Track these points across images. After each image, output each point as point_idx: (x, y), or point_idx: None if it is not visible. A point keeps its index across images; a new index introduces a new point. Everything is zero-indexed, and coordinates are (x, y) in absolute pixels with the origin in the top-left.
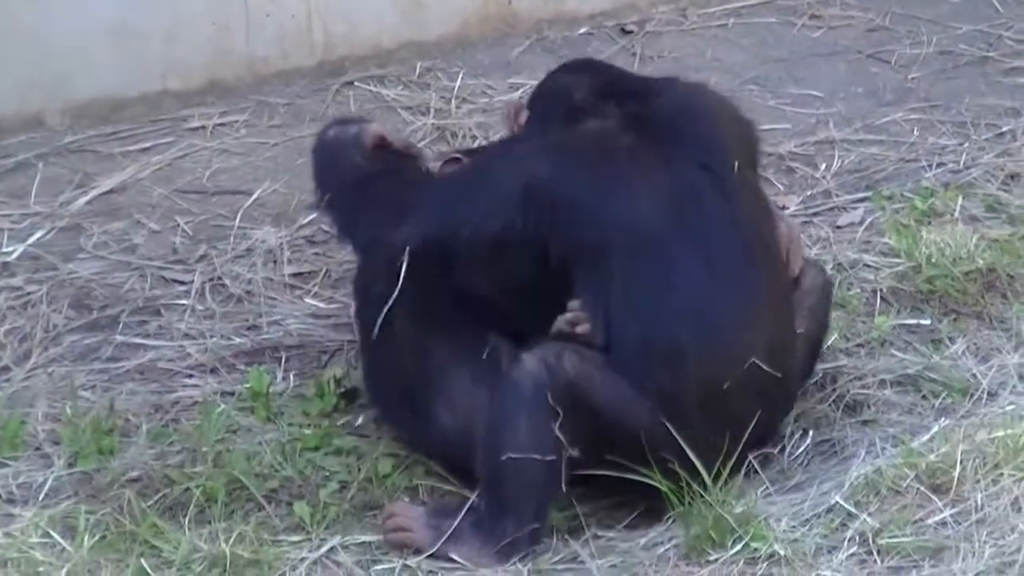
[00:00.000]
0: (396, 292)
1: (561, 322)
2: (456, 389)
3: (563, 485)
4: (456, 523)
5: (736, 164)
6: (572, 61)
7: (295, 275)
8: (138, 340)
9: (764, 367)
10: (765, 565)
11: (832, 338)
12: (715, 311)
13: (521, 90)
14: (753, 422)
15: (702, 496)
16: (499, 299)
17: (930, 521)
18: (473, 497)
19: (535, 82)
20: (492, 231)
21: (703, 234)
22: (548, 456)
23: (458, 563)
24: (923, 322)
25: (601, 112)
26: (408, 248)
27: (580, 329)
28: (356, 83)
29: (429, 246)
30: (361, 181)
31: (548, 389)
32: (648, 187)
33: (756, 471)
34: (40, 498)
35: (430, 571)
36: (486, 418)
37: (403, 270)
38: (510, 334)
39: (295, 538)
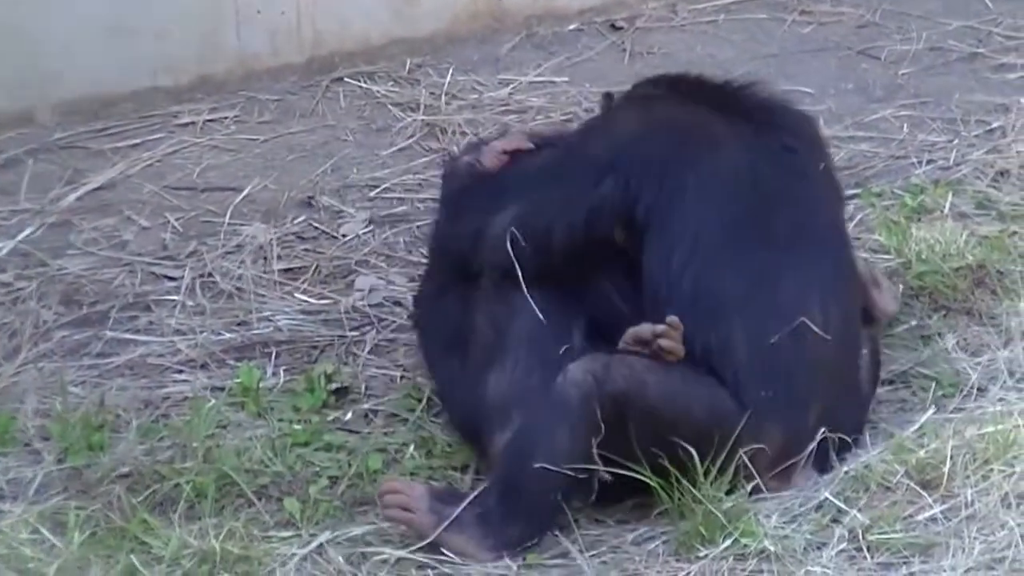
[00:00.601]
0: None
1: (646, 330)
2: (518, 369)
3: (592, 497)
4: (459, 511)
5: (822, 163)
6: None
7: (285, 271)
8: (128, 336)
9: (813, 326)
10: (755, 561)
11: None
12: (770, 275)
13: (511, 86)
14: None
15: (692, 492)
16: (587, 279)
17: (920, 517)
18: (478, 491)
19: (524, 79)
20: (584, 206)
21: (775, 210)
22: (580, 472)
23: (448, 556)
24: (914, 322)
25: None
26: (508, 232)
27: (666, 344)
28: (346, 79)
29: (527, 227)
30: (464, 188)
31: (596, 402)
32: (728, 159)
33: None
34: (30, 494)
35: (420, 566)
36: (524, 418)
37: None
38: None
39: (285, 534)
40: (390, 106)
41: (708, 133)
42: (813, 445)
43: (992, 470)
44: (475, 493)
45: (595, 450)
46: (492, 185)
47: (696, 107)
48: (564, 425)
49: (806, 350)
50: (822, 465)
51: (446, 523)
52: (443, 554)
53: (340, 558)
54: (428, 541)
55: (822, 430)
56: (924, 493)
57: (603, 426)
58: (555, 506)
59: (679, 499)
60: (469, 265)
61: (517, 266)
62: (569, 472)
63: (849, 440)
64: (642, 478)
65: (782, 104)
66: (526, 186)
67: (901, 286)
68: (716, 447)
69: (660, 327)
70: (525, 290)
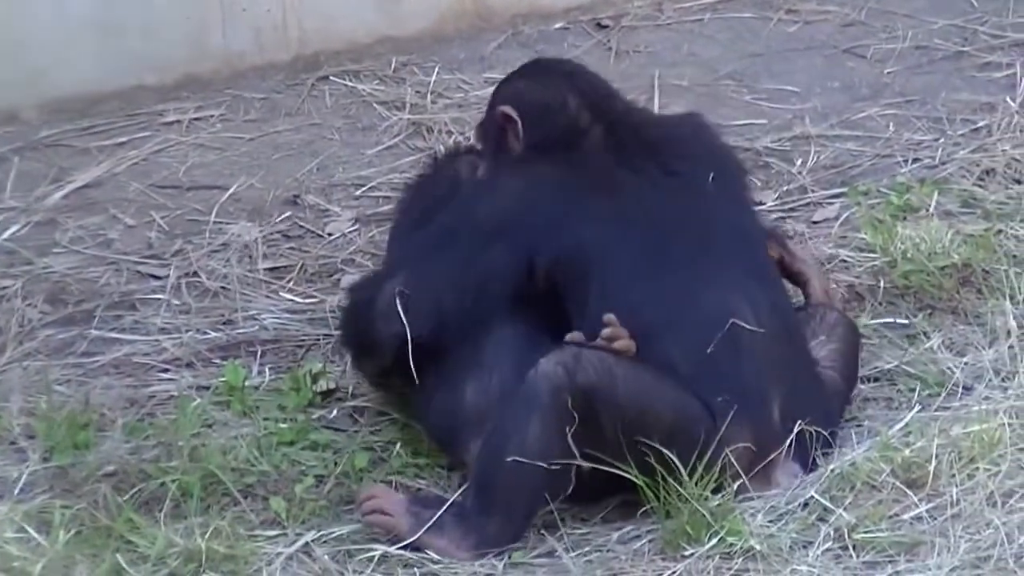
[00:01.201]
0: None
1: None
2: (495, 380)
3: (568, 490)
4: (439, 513)
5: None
6: (550, 67)
7: (270, 270)
8: (113, 335)
9: (744, 324)
10: (741, 560)
11: None
12: (689, 292)
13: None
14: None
15: (678, 491)
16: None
17: (905, 516)
18: (458, 494)
19: None
20: (473, 274)
21: (675, 233)
22: (554, 464)
23: (431, 556)
24: (900, 321)
25: (589, 140)
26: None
27: (619, 345)
28: (331, 78)
29: (416, 296)
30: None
31: (567, 394)
32: (618, 200)
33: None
34: (15, 493)
35: (406, 565)
36: (496, 416)
37: None
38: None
39: (271, 533)
40: (376, 105)
41: (593, 178)
42: (788, 441)
43: (977, 469)
44: (454, 496)
45: (570, 442)
46: (388, 253)
47: (577, 152)
48: (535, 417)
49: (745, 349)
50: (803, 460)
51: (426, 526)
52: (427, 552)
53: (326, 557)
54: (410, 542)
55: (795, 424)
56: (910, 492)
57: (576, 418)
58: (532, 500)
59: (665, 498)
60: (368, 335)
61: (409, 334)
62: (543, 465)
63: (825, 433)
64: (625, 475)
65: (659, 122)
66: (416, 255)
67: (885, 285)
68: (688, 447)
69: (605, 331)
70: (411, 363)
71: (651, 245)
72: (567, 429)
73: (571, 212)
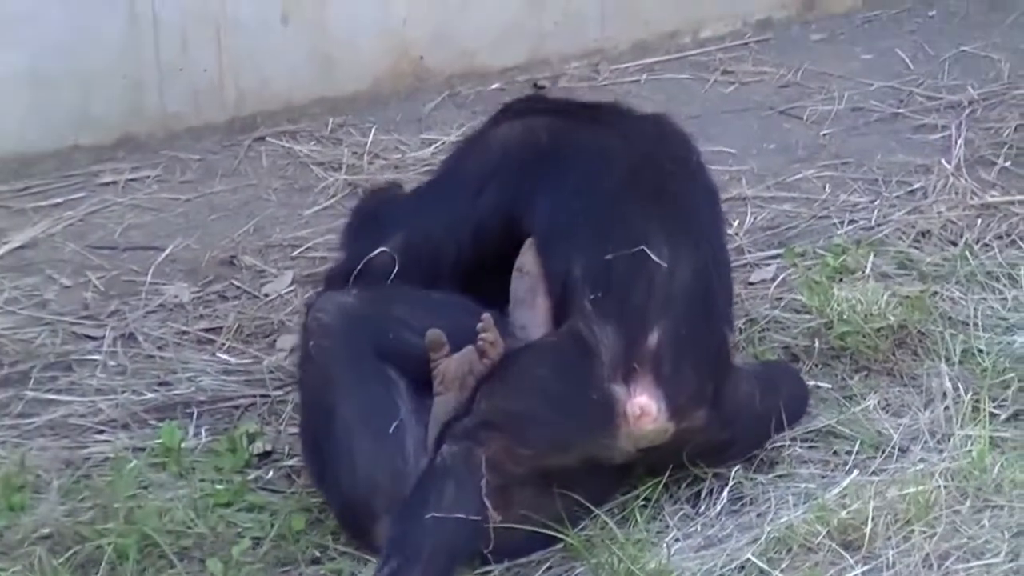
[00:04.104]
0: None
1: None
2: (359, 459)
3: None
4: None
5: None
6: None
7: (207, 331)
8: (49, 395)
9: (651, 255)
10: None
11: None
12: (630, 225)
13: (433, 146)
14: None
15: (610, 548)
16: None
17: None
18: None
19: (447, 138)
20: (469, 223)
21: (654, 191)
22: (472, 516)
23: None
24: (823, 384)
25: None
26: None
27: (487, 336)
28: (268, 138)
29: (414, 254)
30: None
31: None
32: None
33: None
34: None
35: None
36: (410, 492)
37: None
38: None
39: None
40: (312, 165)
41: (576, 136)
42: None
43: (913, 531)
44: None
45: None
46: (377, 216)
47: (560, 116)
48: (449, 481)
49: (645, 278)
50: (673, 400)
51: None
52: None
53: None
54: None
55: (672, 355)
56: (846, 554)
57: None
58: (452, 552)
59: (597, 561)
60: None
61: None
62: (461, 516)
63: (713, 374)
64: (559, 536)
65: (643, 116)
66: (409, 214)
67: (821, 346)
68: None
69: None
70: None
71: (625, 184)
72: (482, 485)
73: (555, 156)
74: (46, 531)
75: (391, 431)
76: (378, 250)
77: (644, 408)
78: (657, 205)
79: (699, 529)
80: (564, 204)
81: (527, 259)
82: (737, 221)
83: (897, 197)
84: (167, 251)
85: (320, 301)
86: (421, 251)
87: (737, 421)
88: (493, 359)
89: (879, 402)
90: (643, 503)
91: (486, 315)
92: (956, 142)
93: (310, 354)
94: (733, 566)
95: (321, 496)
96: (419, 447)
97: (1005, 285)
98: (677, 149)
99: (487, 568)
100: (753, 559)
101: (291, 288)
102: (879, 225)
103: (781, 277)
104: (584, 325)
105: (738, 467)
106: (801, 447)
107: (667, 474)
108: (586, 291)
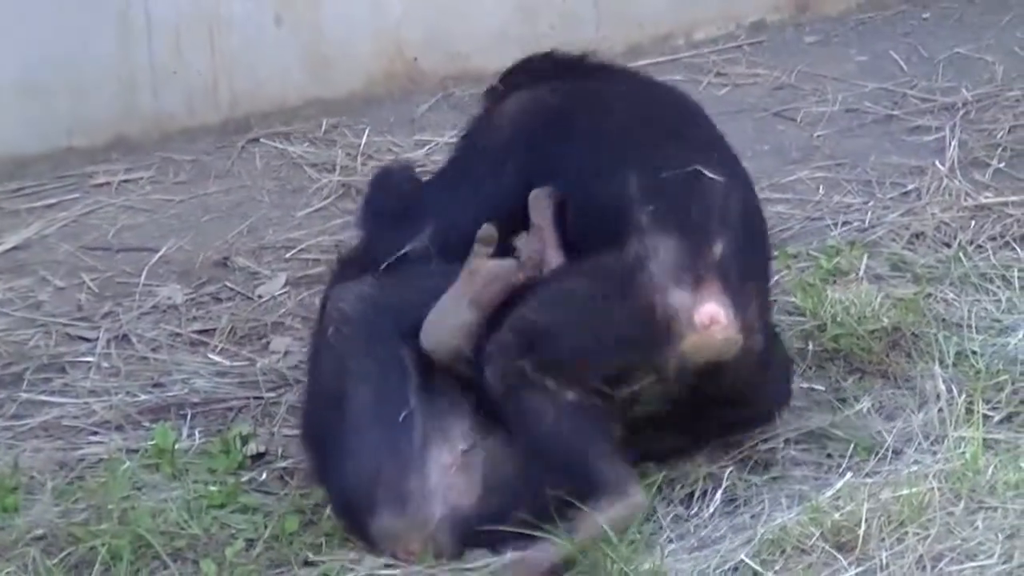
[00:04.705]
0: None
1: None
2: (366, 445)
3: None
4: None
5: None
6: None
7: (200, 332)
8: (43, 397)
9: (707, 172)
10: None
11: None
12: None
13: (427, 147)
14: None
15: (606, 553)
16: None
17: None
18: None
19: (440, 139)
20: (495, 200)
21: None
22: None
23: None
24: (817, 387)
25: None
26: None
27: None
28: (262, 140)
29: (447, 240)
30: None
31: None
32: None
33: None
34: None
35: None
36: None
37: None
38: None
39: None
40: (306, 167)
41: (585, 86)
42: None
43: (907, 533)
44: None
45: None
46: (402, 206)
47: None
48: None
49: (701, 192)
50: (742, 307)
51: None
52: None
53: None
54: None
55: (734, 264)
56: (839, 556)
57: None
58: None
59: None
60: None
61: None
62: None
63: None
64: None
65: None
66: (435, 203)
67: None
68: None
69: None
70: None
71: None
72: None
73: (566, 121)
74: (40, 532)
75: (400, 420)
76: (412, 244)
77: (713, 316)
78: (683, 135)
79: (693, 530)
80: (601, 138)
81: (536, 212)
82: None
83: (891, 199)
84: (160, 252)
85: (339, 290)
86: (451, 239)
87: (772, 364)
88: (530, 275)
89: (873, 404)
90: None
91: (486, 224)
92: (950, 144)
93: (328, 340)
94: (727, 567)
95: (319, 489)
96: (425, 440)
97: (999, 287)
98: (675, 94)
99: (480, 564)
100: (747, 560)
101: (284, 290)
102: (873, 227)
103: (775, 279)
104: (637, 239)
105: (732, 468)
106: (795, 449)
107: (661, 476)
108: (643, 206)
